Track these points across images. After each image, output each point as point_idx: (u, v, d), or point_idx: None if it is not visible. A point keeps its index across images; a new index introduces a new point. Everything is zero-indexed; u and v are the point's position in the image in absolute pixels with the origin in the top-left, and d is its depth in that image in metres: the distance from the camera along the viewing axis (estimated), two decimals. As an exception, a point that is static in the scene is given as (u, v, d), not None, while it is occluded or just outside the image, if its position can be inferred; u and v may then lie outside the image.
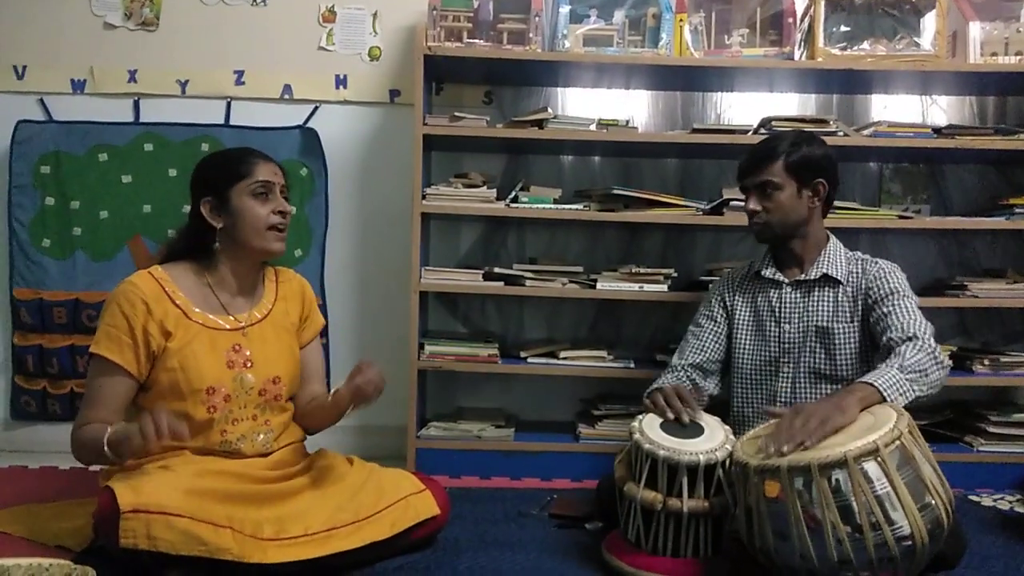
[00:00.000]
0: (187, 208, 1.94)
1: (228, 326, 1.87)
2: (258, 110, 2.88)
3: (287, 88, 2.88)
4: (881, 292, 1.99)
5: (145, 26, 2.87)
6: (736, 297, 2.19)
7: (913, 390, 1.70)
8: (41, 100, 2.86)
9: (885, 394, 1.67)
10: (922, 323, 1.89)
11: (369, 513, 1.80)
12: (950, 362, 1.83)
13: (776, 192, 2.02)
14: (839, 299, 2.06)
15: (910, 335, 1.84)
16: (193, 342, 1.80)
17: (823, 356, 2.06)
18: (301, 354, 2.03)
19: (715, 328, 2.19)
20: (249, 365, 1.86)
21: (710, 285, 2.32)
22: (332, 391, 1.92)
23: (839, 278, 2.05)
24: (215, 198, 1.86)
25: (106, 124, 2.84)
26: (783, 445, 1.55)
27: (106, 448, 1.67)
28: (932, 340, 1.84)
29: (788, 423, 1.61)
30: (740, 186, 2.12)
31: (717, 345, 2.19)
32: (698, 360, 2.17)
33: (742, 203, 2.18)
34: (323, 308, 2.85)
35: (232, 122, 2.87)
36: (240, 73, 2.87)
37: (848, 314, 2.04)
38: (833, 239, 2.12)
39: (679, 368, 2.17)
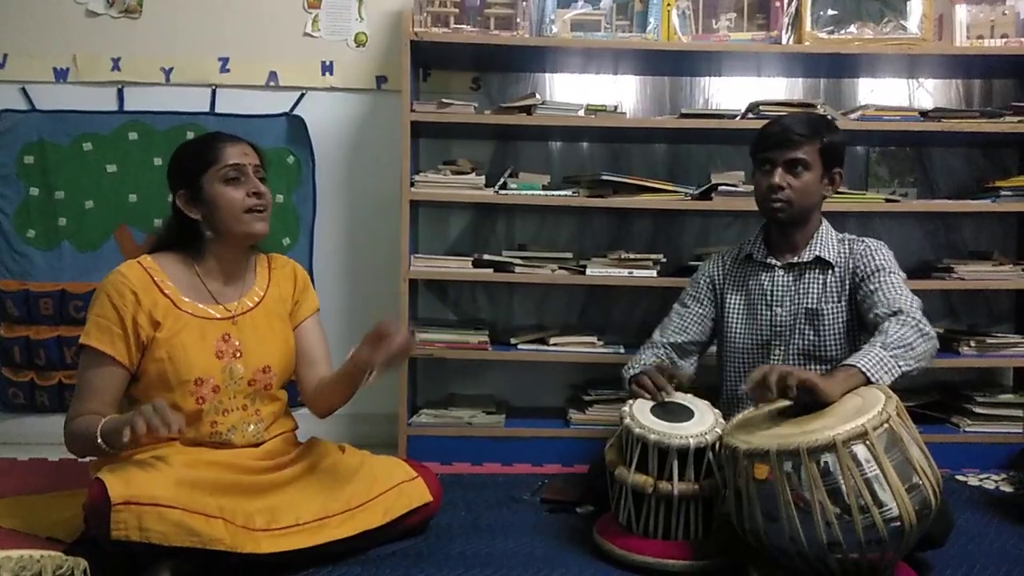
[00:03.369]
0: (171, 199, 1.91)
1: (218, 315, 1.85)
2: (244, 97, 2.85)
3: (273, 75, 2.85)
4: (868, 269, 1.99)
5: (128, 13, 2.84)
6: (726, 280, 2.19)
7: (899, 366, 1.70)
8: (23, 89, 2.82)
9: (869, 374, 1.67)
10: (908, 297, 1.89)
11: (361, 501, 1.81)
12: (935, 333, 1.82)
13: (805, 172, 1.98)
14: (829, 280, 2.06)
15: (895, 310, 1.84)
16: (182, 332, 1.79)
17: (812, 337, 2.06)
18: (302, 336, 1.99)
19: (700, 310, 2.20)
20: (239, 355, 1.84)
21: (699, 265, 2.32)
22: (349, 354, 1.83)
23: (831, 260, 2.06)
24: (188, 189, 1.82)
25: (90, 113, 2.82)
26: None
27: (99, 439, 1.64)
28: (918, 313, 1.83)
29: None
30: (762, 157, 2.01)
31: (700, 327, 2.19)
32: (679, 340, 2.17)
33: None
34: (312, 296, 2.84)
35: (217, 110, 2.84)
36: (225, 60, 2.85)
37: (836, 294, 2.05)
38: (825, 222, 2.12)
39: (659, 345, 2.17)
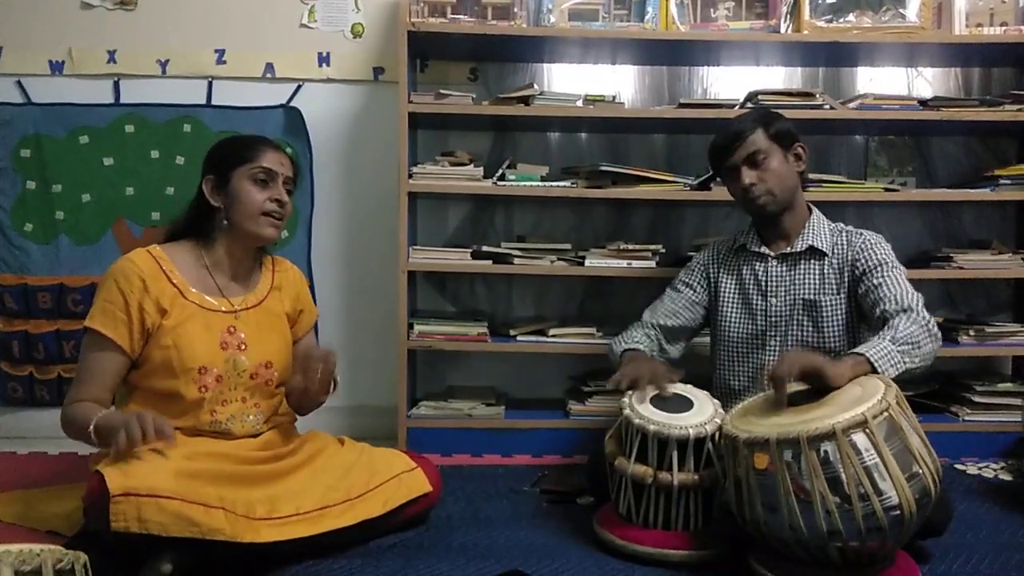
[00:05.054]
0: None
1: (223, 308, 1.88)
2: (240, 89, 2.84)
3: (269, 67, 2.84)
4: (869, 264, 1.99)
5: (124, 5, 2.82)
6: (721, 271, 2.19)
7: (904, 362, 1.71)
8: (19, 82, 2.81)
9: (876, 365, 1.68)
10: (913, 294, 1.89)
11: (361, 491, 1.82)
12: (940, 333, 1.83)
13: (767, 160, 2.01)
14: (825, 271, 2.06)
15: (904, 307, 1.84)
16: (188, 322, 1.81)
17: (810, 329, 2.07)
18: (298, 344, 2.04)
19: (692, 296, 2.20)
20: (243, 348, 1.87)
21: (695, 254, 2.32)
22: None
23: (824, 250, 2.06)
24: (217, 178, 1.87)
25: (86, 106, 2.80)
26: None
27: (92, 435, 1.67)
28: (925, 311, 1.84)
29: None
30: (724, 167, 2.06)
31: (690, 312, 2.19)
32: (668, 323, 2.19)
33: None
34: (311, 290, 2.83)
35: (214, 102, 2.83)
36: (221, 52, 2.83)
37: (835, 286, 2.05)
38: (816, 211, 2.12)
39: (648, 325, 2.19)
